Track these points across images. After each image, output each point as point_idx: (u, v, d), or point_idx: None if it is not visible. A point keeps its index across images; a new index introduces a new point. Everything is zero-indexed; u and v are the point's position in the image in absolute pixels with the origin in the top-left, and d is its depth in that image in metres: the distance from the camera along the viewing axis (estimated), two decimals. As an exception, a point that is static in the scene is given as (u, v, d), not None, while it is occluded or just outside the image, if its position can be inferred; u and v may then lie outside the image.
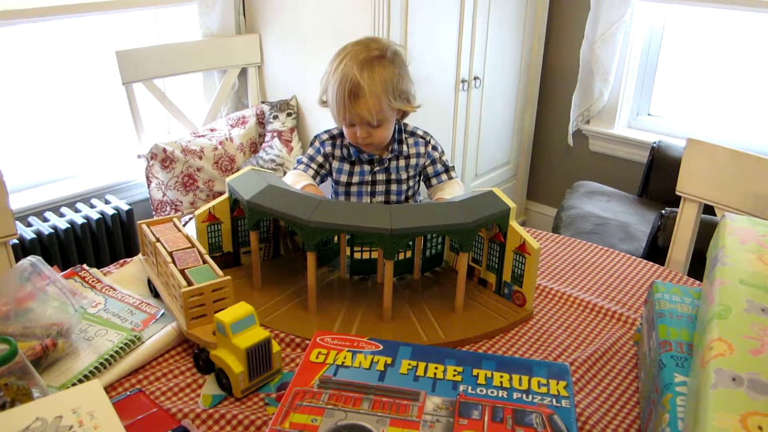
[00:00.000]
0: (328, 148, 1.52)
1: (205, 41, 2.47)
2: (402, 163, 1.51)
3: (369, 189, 1.52)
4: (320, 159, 1.52)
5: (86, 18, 2.27)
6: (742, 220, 0.98)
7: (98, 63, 2.37)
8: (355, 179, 1.51)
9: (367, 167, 1.51)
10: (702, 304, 0.85)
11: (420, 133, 1.54)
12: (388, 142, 1.50)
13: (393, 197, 1.54)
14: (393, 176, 1.51)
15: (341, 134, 1.52)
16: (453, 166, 1.57)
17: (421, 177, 1.58)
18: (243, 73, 2.60)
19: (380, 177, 1.51)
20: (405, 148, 1.51)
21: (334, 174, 1.53)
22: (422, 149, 1.52)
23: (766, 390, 0.62)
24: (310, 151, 1.54)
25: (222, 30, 2.48)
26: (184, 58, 2.40)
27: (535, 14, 2.77)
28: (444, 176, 1.55)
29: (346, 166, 1.51)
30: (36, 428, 0.68)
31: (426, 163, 1.53)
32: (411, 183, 1.55)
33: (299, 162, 1.54)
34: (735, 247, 0.88)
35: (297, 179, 1.47)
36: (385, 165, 1.50)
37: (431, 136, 1.55)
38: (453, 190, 1.52)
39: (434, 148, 1.54)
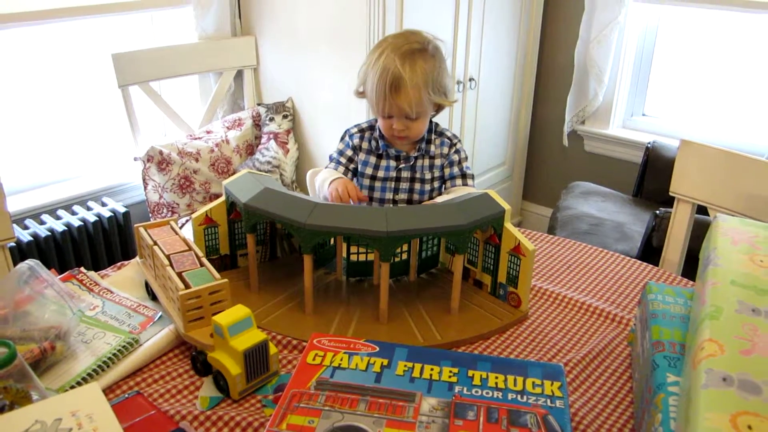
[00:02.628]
0: (356, 141, 1.52)
1: (201, 43, 2.47)
2: (427, 162, 1.50)
3: (393, 185, 1.51)
4: (349, 153, 1.52)
5: (82, 21, 2.27)
6: (734, 221, 0.99)
7: (94, 66, 2.38)
8: (380, 173, 1.50)
9: (393, 163, 1.50)
10: (694, 305, 0.86)
11: (448, 134, 1.53)
12: (417, 140, 1.49)
13: (416, 196, 1.52)
14: (417, 175, 1.50)
15: (370, 128, 1.52)
16: (472, 175, 1.54)
17: None
18: (239, 75, 2.61)
19: (405, 174, 1.50)
20: (432, 147, 1.50)
21: (359, 166, 1.52)
22: (446, 150, 1.51)
23: (756, 390, 0.63)
24: (340, 146, 1.54)
25: (218, 32, 2.49)
26: (180, 61, 2.41)
27: (530, 15, 2.78)
28: (458, 180, 1.52)
29: (373, 159, 1.51)
30: (35, 431, 0.68)
31: (445, 164, 1.52)
32: (435, 184, 1.53)
33: (330, 159, 1.55)
34: (727, 249, 0.90)
35: (328, 175, 1.47)
36: (411, 163, 1.49)
37: (459, 140, 1.54)
38: (458, 194, 1.50)
39: (457, 151, 1.52)
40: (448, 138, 1.52)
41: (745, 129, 2.62)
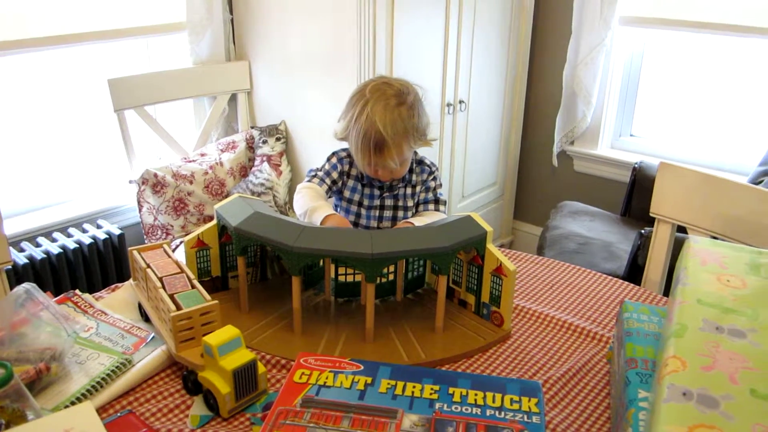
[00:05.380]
0: (346, 166, 1.54)
1: (196, 68, 2.52)
2: (409, 190, 1.55)
3: (377, 213, 1.55)
4: (335, 175, 1.53)
5: (79, 47, 2.32)
6: (706, 242, 1.03)
7: (91, 90, 2.42)
8: (365, 202, 1.54)
9: (377, 191, 1.53)
10: (664, 323, 0.90)
11: (427, 162, 1.58)
12: None
13: (400, 224, 1.54)
14: (400, 203, 1.54)
15: None
16: (445, 201, 1.60)
17: None
18: (233, 99, 2.66)
19: (388, 203, 1.54)
20: (414, 176, 1.55)
21: (346, 192, 1.55)
22: (425, 176, 1.56)
23: (714, 404, 0.66)
24: (326, 166, 1.55)
25: (212, 57, 2.54)
26: (175, 85, 2.46)
27: (519, 39, 2.84)
28: (431, 206, 1.58)
29: (359, 186, 1.54)
30: (31, 448, 0.71)
31: (421, 189, 1.57)
32: (415, 210, 1.58)
33: (312, 175, 1.55)
34: (696, 269, 0.93)
35: (316, 198, 1.46)
36: (395, 192, 1.53)
37: (436, 168, 1.59)
38: (429, 219, 1.51)
39: (434, 179, 1.58)
40: (428, 165, 1.57)
41: (730, 149, 2.67)
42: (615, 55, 2.77)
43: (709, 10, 2.46)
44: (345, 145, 1.54)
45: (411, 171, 1.54)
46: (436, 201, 1.58)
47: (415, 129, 1.44)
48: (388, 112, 1.40)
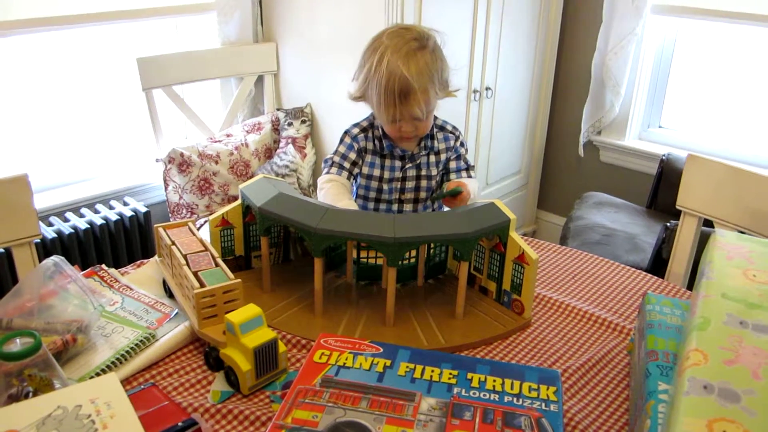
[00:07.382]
0: (362, 143, 1.46)
1: (224, 49, 2.53)
2: (432, 159, 1.48)
3: (399, 185, 1.48)
4: (353, 156, 1.46)
5: (109, 26, 2.34)
6: (732, 236, 1.02)
7: (120, 69, 2.45)
8: (386, 174, 1.47)
9: (398, 163, 1.47)
10: (687, 317, 0.89)
11: (449, 127, 1.51)
12: (422, 137, 1.46)
13: (422, 194, 1.51)
14: (423, 172, 1.48)
15: (371, 125, 1.47)
16: (473, 165, 1.55)
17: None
18: (259, 80, 2.66)
19: (411, 173, 1.48)
20: (435, 143, 1.48)
21: (365, 168, 1.48)
22: (451, 143, 1.49)
23: (735, 398, 0.66)
24: (341, 148, 1.47)
25: (240, 38, 2.55)
26: (203, 66, 2.47)
27: (548, 26, 2.81)
28: (464, 173, 1.53)
29: (378, 160, 1.47)
30: (57, 415, 0.73)
31: (451, 157, 1.50)
32: (438, 179, 1.52)
33: (330, 164, 1.48)
34: (722, 263, 0.92)
35: (340, 197, 1.40)
36: (417, 161, 1.47)
37: (460, 132, 1.52)
38: (468, 186, 1.47)
39: (462, 144, 1.51)
40: (451, 131, 1.50)
41: (761, 143, 2.62)
42: (646, 44, 2.72)
43: (744, 0, 2.41)
44: (359, 116, 1.46)
45: (432, 137, 1.47)
46: (468, 168, 1.53)
47: (439, 75, 1.37)
48: (410, 56, 1.32)
